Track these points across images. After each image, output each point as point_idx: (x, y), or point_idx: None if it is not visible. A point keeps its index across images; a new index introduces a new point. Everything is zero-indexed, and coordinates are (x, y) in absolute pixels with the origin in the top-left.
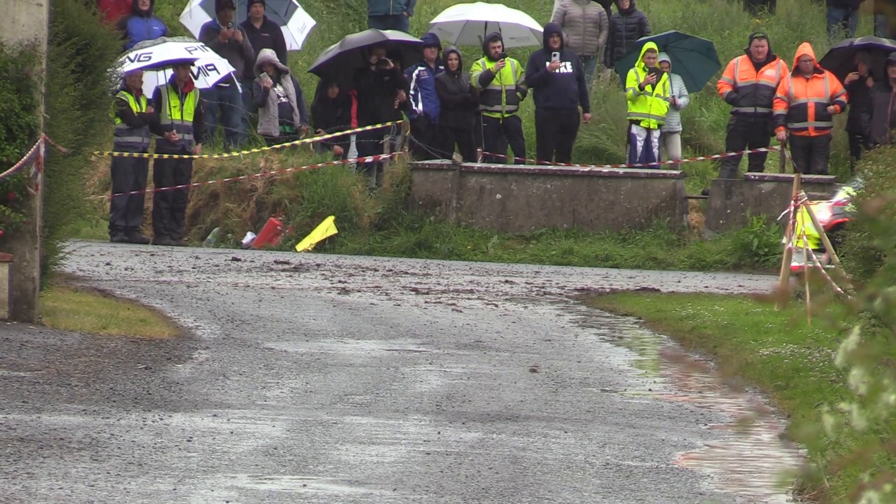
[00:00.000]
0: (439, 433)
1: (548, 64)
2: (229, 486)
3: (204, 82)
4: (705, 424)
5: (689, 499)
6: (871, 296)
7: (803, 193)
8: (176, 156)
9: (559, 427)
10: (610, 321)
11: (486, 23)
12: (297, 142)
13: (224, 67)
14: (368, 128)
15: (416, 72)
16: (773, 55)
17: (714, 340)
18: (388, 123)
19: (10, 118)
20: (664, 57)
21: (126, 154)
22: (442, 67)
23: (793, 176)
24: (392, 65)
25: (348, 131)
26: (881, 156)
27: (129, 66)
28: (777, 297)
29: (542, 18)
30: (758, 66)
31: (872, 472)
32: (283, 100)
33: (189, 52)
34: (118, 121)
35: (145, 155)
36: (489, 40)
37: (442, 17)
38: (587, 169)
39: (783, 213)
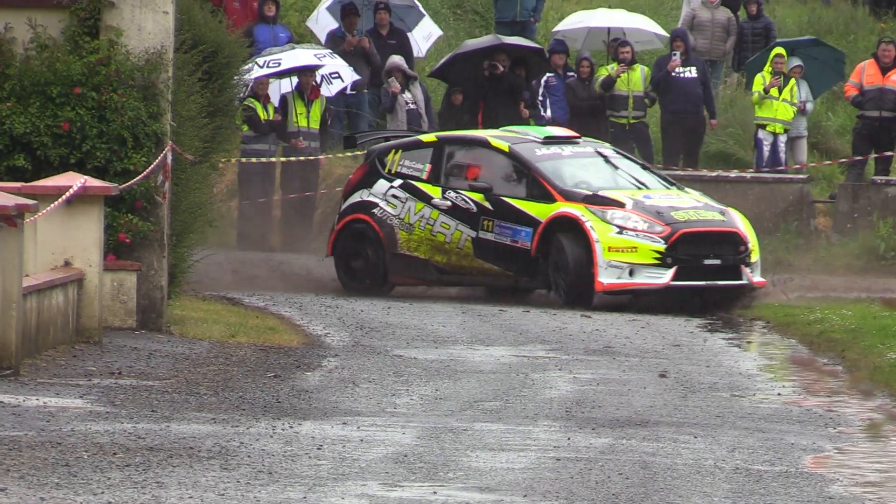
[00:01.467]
0: (569, 439)
1: (669, 63)
2: (360, 493)
3: (327, 90)
4: (834, 428)
5: (819, 503)
6: None
7: None
8: (303, 158)
9: (689, 432)
10: (738, 325)
11: (608, 28)
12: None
13: (348, 76)
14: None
15: (545, 78)
16: None
17: (842, 344)
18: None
19: (137, 126)
20: (797, 61)
21: (254, 160)
22: (572, 74)
23: None
24: (502, 69)
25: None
26: None
27: (257, 72)
28: None
29: (670, 24)
30: (884, 70)
31: None
32: (412, 106)
33: (318, 58)
34: (245, 128)
35: (272, 159)
36: (619, 45)
37: (563, 25)
38: (715, 174)
39: None
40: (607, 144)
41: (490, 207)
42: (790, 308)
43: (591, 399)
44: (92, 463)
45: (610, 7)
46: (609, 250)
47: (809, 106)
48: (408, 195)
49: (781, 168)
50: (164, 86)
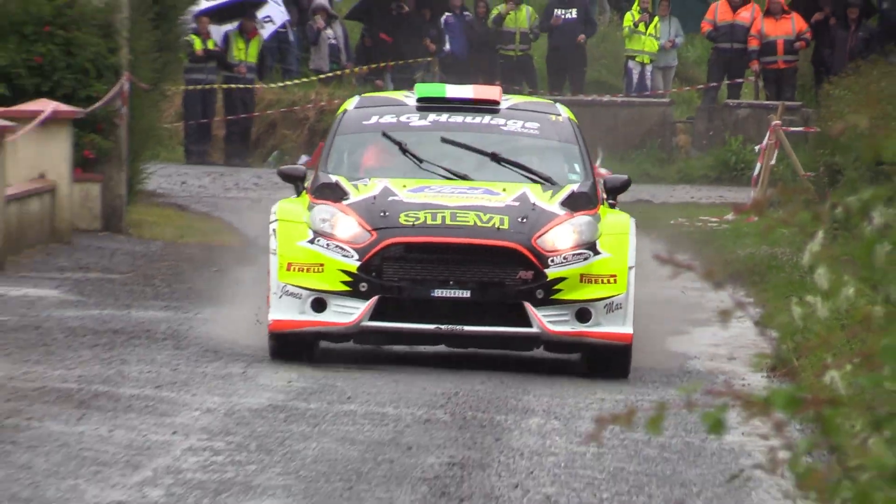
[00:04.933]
0: None
1: (552, 19)
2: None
3: (263, 32)
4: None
5: (679, 376)
6: (834, 205)
7: (780, 121)
8: (242, 86)
9: None
10: None
11: None
12: (343, 71)
13: (279, 17)
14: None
15: (444, 17)
16: None
17: (700, 243)
18: (419, 60)
19: (98, 59)
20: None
21: (197, 87)
22: (467, 13)
23: (766, 103)
24: (406, 9)
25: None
26: (842, 83)
27: (203, 6)
28: (754, 207)
29: None
30: (734, 7)
31: (834, 354)
32: (333, 41)
33: None
34: (184, 58)
35: (211, 86)
36: None
37: None
38: (590, 98)
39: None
40: (561, 114)
41: None
42: (655, 212)
43: None
44: (65, 343)
45: None
46: (288, 269)
47: (679, 40)
48: None
49: (647, 93)
50: (121, 25)
